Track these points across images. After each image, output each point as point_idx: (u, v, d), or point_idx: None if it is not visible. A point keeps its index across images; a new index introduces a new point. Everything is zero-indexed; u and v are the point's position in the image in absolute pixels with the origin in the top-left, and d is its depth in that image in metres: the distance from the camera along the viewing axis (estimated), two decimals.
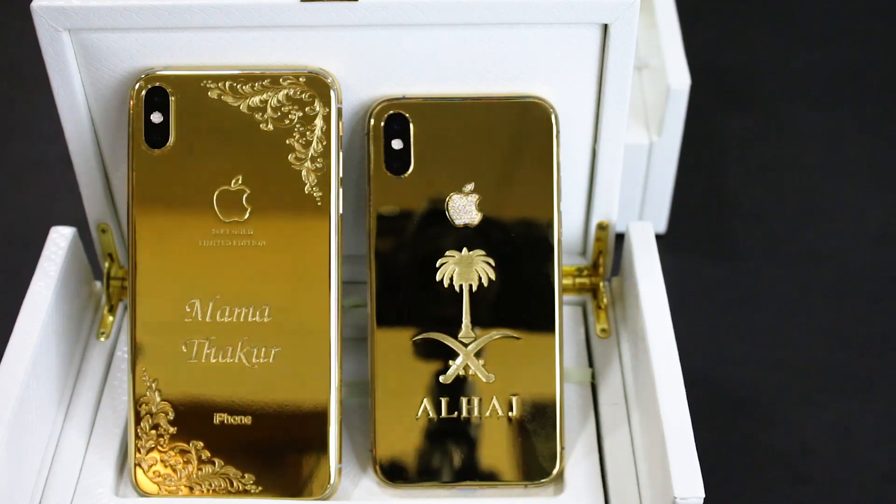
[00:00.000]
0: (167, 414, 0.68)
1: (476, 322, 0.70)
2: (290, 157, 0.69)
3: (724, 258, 0.97)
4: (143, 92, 0.69)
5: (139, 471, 0.68)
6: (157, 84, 0.69)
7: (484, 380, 0.69)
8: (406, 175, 0.70)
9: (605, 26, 0.68)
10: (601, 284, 0.79)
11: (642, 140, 0.92)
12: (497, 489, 0.69)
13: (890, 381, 0.87)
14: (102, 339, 0.77)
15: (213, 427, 0.68)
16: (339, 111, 0.69)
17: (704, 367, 0.88)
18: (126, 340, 0.73)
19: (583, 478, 0.69)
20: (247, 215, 0.69)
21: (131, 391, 0.69)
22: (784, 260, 0.97)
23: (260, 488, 0.67)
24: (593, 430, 0.72)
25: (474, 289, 0.70)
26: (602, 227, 0.77)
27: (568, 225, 0.77)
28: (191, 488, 0.68)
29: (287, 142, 0.69)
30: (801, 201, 1.02)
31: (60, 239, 0.75)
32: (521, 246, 0.70)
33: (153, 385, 0.68)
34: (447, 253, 0.70)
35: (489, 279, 0.70)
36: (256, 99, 0.69)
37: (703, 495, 0.61)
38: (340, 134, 0.69)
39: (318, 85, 0.69)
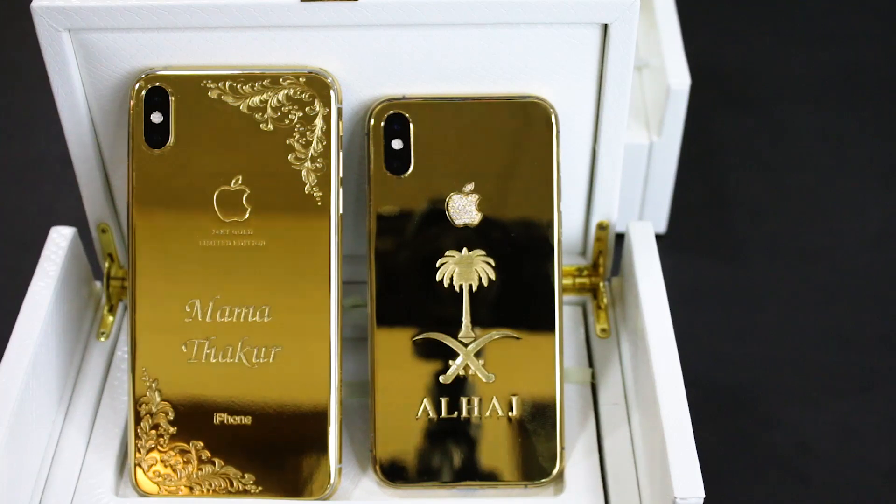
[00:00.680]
0: (167, 414, 0.68)
1: (476, 322, 0.70)
2: (290, 157, 0.69)
3: (724, 258, 0.97)
4: (143, 92, 0.69)
5: (139, 471, 0.68)
6: (157, 84, 0.69)
7: (484, 380, 0.69)
8: (406, 175, 0.70)
9: (605, 26, 0.68)
10: (601, 284, 0.79)
11: (642, 140, 0.92)
12: (497, 489, 0.69)
13: (890, 381, 0.87)
14: (102, 339, 0.77)
15: (213, 427, 0.68)
16: (339, 111, 0.69)
17: (704, 367, 0.88)
18: (126, 340, 0.73)
19: (583, 478, 0.69)
20: (247, 215, 0.69)
21: (131, 391, 0.69)
22: (784, 260, 0.97)
23: (260, 488, 0.67)
24: (593, 430, 0.72)
25: (474, 289, 0.70)
26: (602, 227, 0.77)
27: (568, 225, 0.77)
28: (191, 488, 0.68)
29: (287, 142, 0.69)
30: (801, 201, 1.02)
31: (60, 239, 0.75)
32: (521, 246, 0.70)
33: (153, 385, 0.68)
34: (447, 253, 0.70)
35: (489, 279, 0.70)
36: (256, 99, 0.69)
37: (703, 495, 0.61)
38: (340, 134, 0.69)
39: (318, 85, 0.69)
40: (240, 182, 0.69)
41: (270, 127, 0.69)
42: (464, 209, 0.70)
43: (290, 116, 0.69)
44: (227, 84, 0.69)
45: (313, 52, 0.69)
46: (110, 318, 0.78)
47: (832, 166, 1.06)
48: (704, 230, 1.00)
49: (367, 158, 0.70)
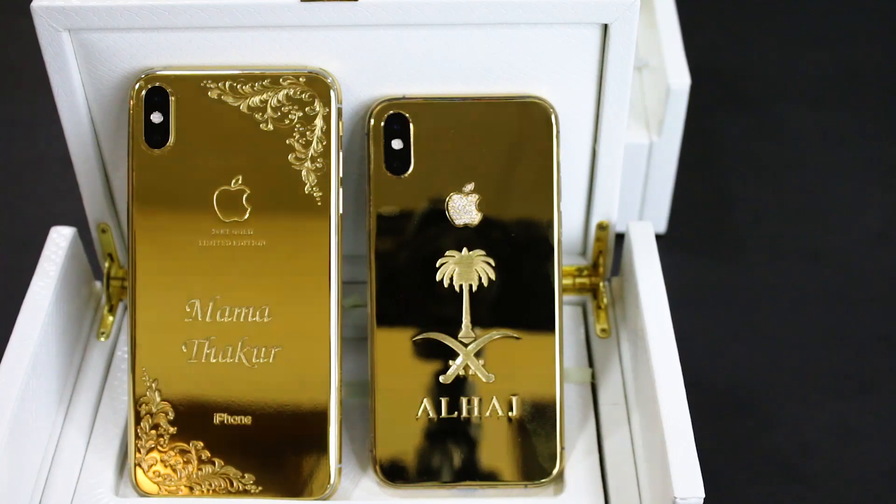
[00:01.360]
0: (167, 414, 0.68)
1: (476, 322, 0.70)
2: (290, 157, 0.69)
3: (724, 258, 0.97)
4: (143, 92, 0.69)
5: (139, 471, 0.68)
6: (157, 84, 0.69)
7: (484, 380, 0.69)
8: (406, 175, 0.70)
9: (605, 26, 0.68)
10: (601, 284, 0.79)
11: (642, 140, 0.92)
12: (497, 489, 0.69)
13: (890, 381, 0.87)
14: (102, 339, 0.77)
15: (213, 427, 0.68)
16: (339, 111, 0.69)
17: (704, 367, 0.88)
18: (126, 340, 0.73)
19: (583, 478, 0.69)
20: (247, 215, 0.69)
21: (131, 391, 0.69)
22: (784, 260, 0.97)
23: (260, 488, 0.67)
24: (593, 430, 0.72)
25: (474, 289, 0.70)
26: (602, 227, 0.77)
27: (568, 225, 0.77)
28: (191, 488, 0.68)
29: (287, 142, 0.69)
30: (801, 201, 1.02)
31: (60, 239, 0.75)
32: (521, 246, 0.70)
33: (153, 385, 0.68)
34: (447, 253, 0.70)
35: (489, 279, 0.70)
36: (256, 99, 0.69)
37: (703, 495, 0.61)
38: (340, 134, 0.69)
39: (318, 85, 0.69)
40: (240, 182, 0.69)
41: (270, 127, 0.69)
42: (464, 209, 0.70)
43: (290, 116, 0.69)
44: (227, 84, 0.69)
45: (313, 52, 0.69)
46: (110, 318, 0.78)
47: (832, 166, 1.06)
48: (704, 230, 1.00)
49: (367, 158, 0.70)
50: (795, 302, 0.93)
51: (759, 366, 0.88)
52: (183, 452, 0.68)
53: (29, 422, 0.68)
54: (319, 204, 0.68)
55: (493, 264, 0.70)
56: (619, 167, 0.74)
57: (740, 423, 0.84)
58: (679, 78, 0.89)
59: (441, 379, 0.69)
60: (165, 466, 0.68)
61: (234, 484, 0.68)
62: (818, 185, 1.04)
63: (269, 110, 0.69)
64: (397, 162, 0.70)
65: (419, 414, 0.69)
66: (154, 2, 0.66)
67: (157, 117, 0.69)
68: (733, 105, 1.13)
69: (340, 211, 0.69)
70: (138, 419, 0.68)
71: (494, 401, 0.69)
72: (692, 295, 0.93)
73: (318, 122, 0.69)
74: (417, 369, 0.69)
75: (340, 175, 0.69)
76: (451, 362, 0.69)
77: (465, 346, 0.69)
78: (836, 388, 0.86)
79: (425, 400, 0.69)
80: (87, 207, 0.76)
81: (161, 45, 0.68)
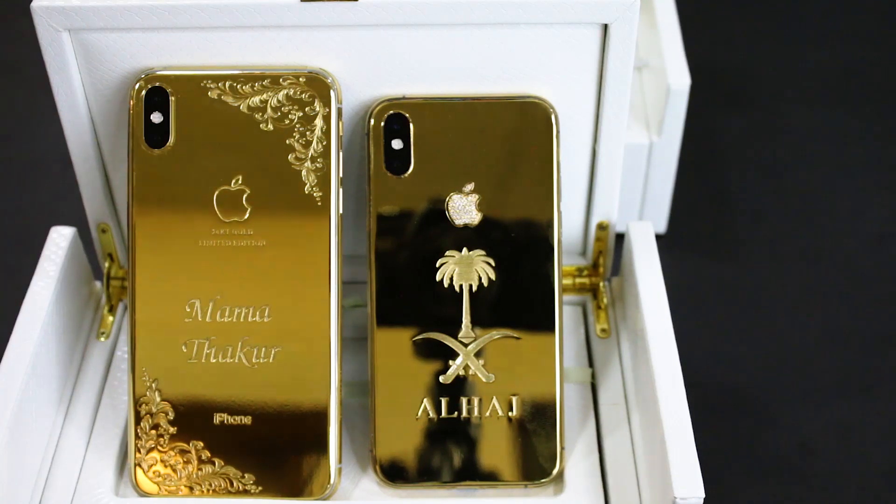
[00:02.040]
0: (167, 414, 0.68)
1: (476, 322, 0.70)
2: (290, 157, 0.69)
3: (724, 258, 0.97)
4: (143, 92, 0.69)
5: (139, 471, 0.68)
6: (157, 84, 0.69)
7: (484, 380, 0.69)
8: (406, 175, 0.70)
9: (605, 26, 0.68)
10: (601, 284, 0.79)
11: (642, 140, 0.92)
12: (497, 489, 0.69)
13: (890, 381, 0.87)
14: (102, 339, 0.77)
15: (213, 427, 0.68)
16: (339, 111, 0.69)
17: (704, 367, 0.88)
18: (126, 340, 0.73)
19: (583, 478, 0.69)
20: (247, 215, 0.69)
21: (131, 391, 0.69)
22: (784, 260, 0.97)
23: (260, 488, 0.67)
24: (593, 430, 0.72)
25: (474, 289, 0.70)
26: (602, 227, 0.77)
27: (568, 225, 0.77)
28: (191, 488, 0.68)
29: (287, 142, 0.69)
30: (801, 201, 1.03)
31: (60, 239, 0.75)
32: (521, 246, 0.70)
33: (153, 385, 0.68)
34: (447, 253, 0.70)
35: (489, 279, 0.70)
36: (256, 99, 0.69)
37: (703, 495, 0.61)
38: (340, 134, 0.69)
39: (318, 85, 0.69)
40: (240, 182, 0.69)
41: (270, 127, 0.69)
42: (464, 209, 0.70)
43: (290, 116, 0.69)
44: (227, 84, 0.69)
45: (313, 52, 0.69)
46: (110, 318, 0.78)
47: (832, 166, 1.06)
48: (704, 230, 1.00)
49: (367, 158, 0.70)
50: (795, 302, 0.93)
51: (759, 366, 0.88)
52: (183, 452, 0.68)
53: (29, 422, 0.68)
54: (319, 204, 0.68)
55: (493, 264, 0.70)
56: (619, 167, 0.74)
57: (740, 423, 0.84)
58: (679, 78, 0.89)
59: (441, 379, 0.69)
60: (165, 466, 0.68)
61: (234, 484, 0.68)
62: (818, 185, 1.04)
63: (269, 110, 0.69)
64: (397, 162, 0.70)
65: (419, 414, 0.69)
66: (154, 2, 0.66)
67: (157, 117, 0.69)
68: (733, 105, 1.13)
69: (340, 211, 0.69)
70: (138, 419, 0.68)
71: (494, 401, 0.69)
72: (692, 295, 0.93)
73: (318, 122, 0.69)
74: (417, 369, 0.69)
75: (340, 175, 0.69)
76: (451, 362, 0.69)
77: (465, 346, 0.69)
78: (836, 388, 0.86)
79: (425, 400, 0.69)
80: (87, 207, 0.76)
81: (161, 45, 0.68)
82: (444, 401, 0.69)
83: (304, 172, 0.69)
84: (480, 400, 0.69)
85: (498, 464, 0.69)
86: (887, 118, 1.12)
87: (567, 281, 0.79)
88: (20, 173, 1.05)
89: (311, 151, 0.69)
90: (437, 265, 0.70)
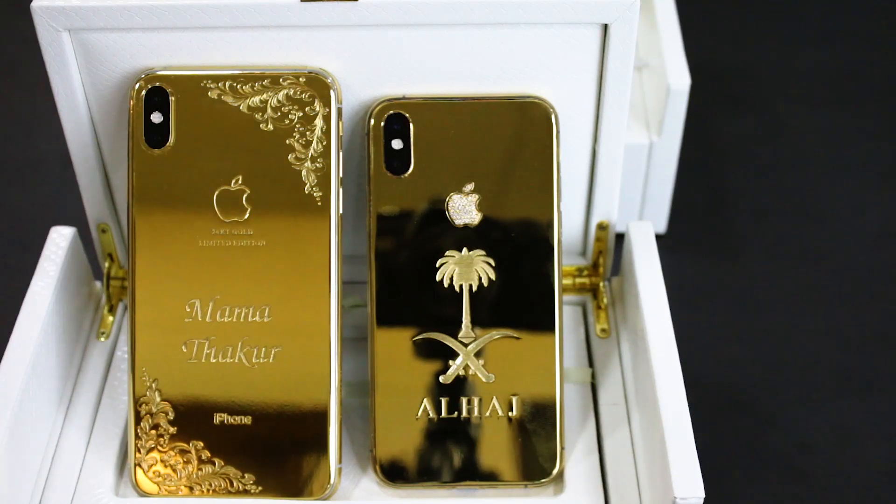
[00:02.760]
0: (167, 414, 0.68)
1: (476, 322, 0.70)
2: (290, 157, 0.69)
3: (724, 258, 0.97)
4: (143, 92, 0.69)
5: (139, 471, 0.68)
6: (157, 84, 0.69)
7: (484, 380, 0.69)
8: (406, 175, 0.70)
9: (605, 26, 0.68)
10: (601, 284, 0.79)
11: (642, 140, 0.92)
12: (497, 489, 0.69)
13: (890, 381, 0.87)
14: (102, 339, 0.77)
15: (213, 427, 0.68)
16: (339, 111, 0.69)
17: (704, 367, 0.88)
18: (126, 340, 0.73)
19: (583, 478, 0.69)
20: (247, 215, 0.69)
21: (131, 391, 0.69)
22: (784, 260, 0.97)
23: (260, 488, 0.67)
24: (593, 430, 0.72)
25: (474, 289, 0.70)
26: (602, 227, 0.77)
27: (568, 225, 0.77)
28: (191, 488, 0.68)
29: (287, 142, 0.69)
30: (801, 201, 1.02)
31: (60, 239, 0.75)
32: (521, 246, 0.70)
33: (153, 385, 0.68)
34: (447, 253, 0.70)
35: (489, 279, 0.70)
36: (256, 99, 0.69)
37: (703, 495, 0.61)
38: (340, 134, 0.69)
39: (318, 85, 0.69)
40: (240, 182, 0.69)
41: (270, 127, 0.69)
42: (464, 209, 0.70)
43: (290, 116, 0.69)
44: (227, 84, 0.69)
45: (313, 52, 0.69)
46: (110, 318, 0.78)
47: (832, 166, 1.06)
48: (704, 230, 1.00)
49: (367, 158, 0.70)
50: (795, 302, 0.93)
51: (759, 366, 0.88)
52: (183, 452, 0.68)
53: (29, 422, 0.68)
54: (319, 204, 0.68)
55: (493, 264, 0.70)
56: (619, 167, 0.74)
57: (740, 423, 0.84)
58: (679, 78, 0.89)
59: (441, 379, 0.69)
60: (165, 466, 0.68)
61: (234, 484, 0.68)
62: (818, 185, 1.04)
63: (269, 110, 0.69)
64: (397, 162, 0.70)
65: (419, 414, 0.69)
66: (154, 2, 0.66)
67: (157, 117, 0.69)
68: (733, 105, 1.13)
69: (340, 211, 0.69)
70: (138, 419, 0.68)
71: (494, 401, 0.69)
72: (692, 295, 0.93)
73: (318, 122, 0.69)
74: (417, 369, 0.69)
75: (340, 175, 0.69)
76: (451, 362, 0.69)
77: (465, 346, 0.69)
78: (836, 388, 0.86)
79: (425, 400, 0.69)
80: (87, 207, 0.76)
81: (161, 45, 0.68)
82: (444, 401, 0.69)
83: (304, 172, 0.69)
84: (480, 400, 0.69)
85: (498, 464, 0.69)
86: (887, 118, 1.12)
87: (567, 281, 0.79)
88: (20, 173, 1.05)
89: (311, 151, 0.69)
90: (437, 265, 0.70)
